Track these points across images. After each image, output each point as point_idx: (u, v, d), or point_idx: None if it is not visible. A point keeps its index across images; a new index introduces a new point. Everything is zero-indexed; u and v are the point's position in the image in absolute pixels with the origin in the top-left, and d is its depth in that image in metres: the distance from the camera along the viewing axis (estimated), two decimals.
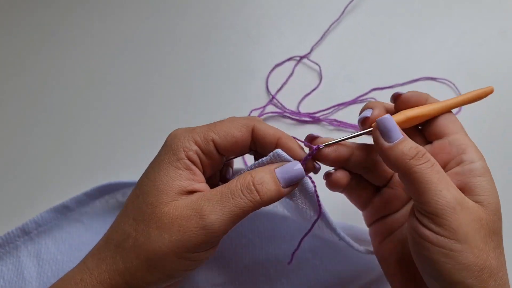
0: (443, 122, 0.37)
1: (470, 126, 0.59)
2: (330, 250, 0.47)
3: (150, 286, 0.32)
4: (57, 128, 0.63)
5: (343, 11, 0.69)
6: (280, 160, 0.34)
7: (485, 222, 0.31)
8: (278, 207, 0.45)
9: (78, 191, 0.53)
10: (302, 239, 0.38)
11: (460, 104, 0.38)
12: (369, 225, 0.42)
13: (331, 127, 0.61)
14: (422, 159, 0.31)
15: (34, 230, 0.50)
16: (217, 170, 0.38)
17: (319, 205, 0.35)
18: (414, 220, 0.32)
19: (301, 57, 0.66)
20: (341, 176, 0.37)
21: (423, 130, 0.39)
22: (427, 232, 0.31)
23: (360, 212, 0.43)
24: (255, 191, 0.32)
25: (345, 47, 0.69)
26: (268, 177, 0.33)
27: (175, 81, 0.67)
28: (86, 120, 0.64)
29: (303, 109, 0.63)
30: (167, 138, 0.35)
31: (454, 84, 0.63)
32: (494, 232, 0.32)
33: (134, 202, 0.33)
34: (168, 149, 0.33)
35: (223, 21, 0.73)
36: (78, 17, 0.74)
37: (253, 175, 0.33)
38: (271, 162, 0.34)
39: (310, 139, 0.37)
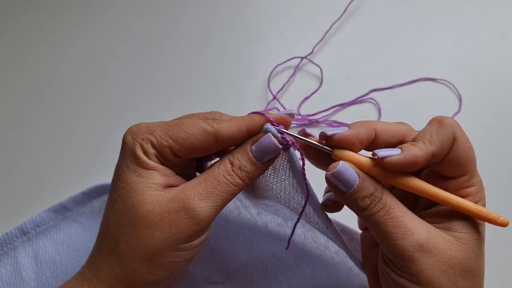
0: (449, 167, 0.32)
1: (470, 126, 0.60)
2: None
3: (154, 286, 0.32)
4: (55, 128, 0.63)
5: (344, 11, 0.69)
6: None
7: (457, 261, 0.30)
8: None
9: (76, 191, 0.53)
10: (295, 224, 0.39)
11: (456, 207, 0.32)
12: (362, 229, 0.42)
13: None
14: (376, 208, 0.30)
15: (33, 230, 0.50)
16: (187, 164, 0.37)
17: (306, 184, 0.35)
18: (381, 258, 0.33)
19: (303, 58, 0.66)
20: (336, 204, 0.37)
21: None
22: (391, 273, 0.31)
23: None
24: (236, 176, 0.32)
25: (345, 48, 0.69)
26: (244, 159, 0.33)
27: (175, 81, 0.67)
28: (85, 120, 0.64)
29: (303, 110, 0.63)
30: (125, 136, 0.34)
31: (453, 85, 0.63)
32: (469, 270, 0.31)
33: (114, 206, 0.32)
34: (130, 150, 0.33)
35: (223, 21, 0.73)
36: (77, 17, 0.74)
37: (230, 160, 0.33)
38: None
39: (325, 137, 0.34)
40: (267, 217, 0.50)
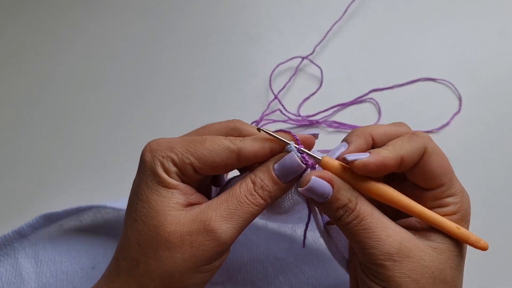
0: (423, 177, 0.33)
1: (470, 126, 0.60)
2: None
3: None
4: (55, 128, 0.63)
5: (345, 11, 0.69)
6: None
7: (430, 270, 0.30)
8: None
9: (76, 191, 0.53)
10: (306, 224, 0.38)
11: (432, 223, 0.32)
12: None
13: (331, 129, 0.61)
14: (348, 219, 0.31)
15: (31, 233, 0.49)
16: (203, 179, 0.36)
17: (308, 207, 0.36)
18: (358, 265, 0.34)
19: (304, 58, 0.66)
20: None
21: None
22: (367, 280, 0.32)
23: None
24: (258, 196, 0.32)
25: (345, 48, 0.69)
26: (266, 177, 0.32)
27: (175, 82, 0.67)
28: (85, 120, 0.64)
29: (303, 111, 0.63)
30: (144, 153, 0.33)
31: (453, 85, 0.63)
32: (443, 280, 0.31)
33: (134, 226, 0.32)
34: (150, 169, 0.32)
35: (223, 21, 0.73)
36: (77, 17, 0.74)
37: (252, 179, 0.32)
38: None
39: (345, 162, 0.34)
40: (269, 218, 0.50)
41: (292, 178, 0.33)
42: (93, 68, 0.69)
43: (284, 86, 0.64)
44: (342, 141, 0.34)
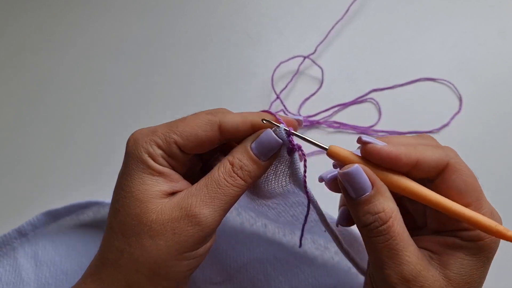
0: (448, 193, 0.30)
1: (470, 126, 0.60)
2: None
3: None
4: (55, 128, 0.63)
5: (346, 11, 0.69)
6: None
7: None
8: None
9: (76, 191, 0.53)
10: (303, 226, 0.38)
11: (462, 218, 0.29)
12: None
13: (331, 130, 0.61)
14: (376, 231, 0.29)
15: (31, 232, 0.50)
16: (191, 165, 0.36)
17: (307, 192, 0.34)
18: (368, 279, 0.33)
19: (305, 57, 0.65)
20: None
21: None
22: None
23: None
24: (237, 177, 0.31)
25: (346, 48, 0.69)
26: (245, 158, 0.32)
27: (175, 81, 0.67)
28: (85, 120, 0.64)
29: (304, 111, 0.63)
30: (127, 144, 0.33)
31: (453, 85, 0.63)
32: None
33: (117, 217, 0.32)
34: (134, 157, 0.32)
35: (223, 21, 0.73)
36: (77, 17, 0.74)
37: (230, 161, 0.32)
38: None
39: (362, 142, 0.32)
40: (266, 218, 0.50)
41: (271, 156, 0.32)
42: (93, 68, 0.69)
43: (286, 86, 0.64)
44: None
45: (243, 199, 0.40)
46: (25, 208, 0.56)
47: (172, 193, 0.32)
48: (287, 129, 0.32)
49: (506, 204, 0.54)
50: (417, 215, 0.35)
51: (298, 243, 0.49)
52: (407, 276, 0.29)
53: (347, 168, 0.29)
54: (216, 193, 0.31)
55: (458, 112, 0.61)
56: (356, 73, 0.66)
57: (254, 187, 0.37)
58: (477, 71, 0.65)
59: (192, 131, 0.32)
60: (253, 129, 0.33)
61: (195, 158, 0.37)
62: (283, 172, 0.34)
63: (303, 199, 0.36)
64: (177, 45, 0.70)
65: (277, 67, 0.65)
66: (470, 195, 0.30)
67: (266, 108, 0.62)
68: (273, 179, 0.35)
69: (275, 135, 0.32)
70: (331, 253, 0.48)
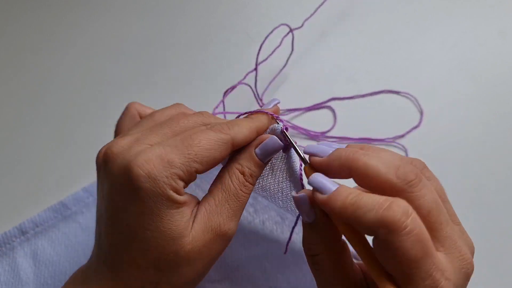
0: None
1: (469, 127, 0.60)
2: None
3: None
4: (55, 128, 0.63)
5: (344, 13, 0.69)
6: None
7: None
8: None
9: (76, 189, 0.53)
10: (292, 228, 0.39)
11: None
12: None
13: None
14: (310, 260, 0.32)
15: (31, 230, 0.50)
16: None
17: (302, 186, 0.35)
18: None
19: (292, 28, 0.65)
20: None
21: None
22: None
23: None
24: (249, 185, 0.33)
25: (345, 47, 0.69)
26: (253, 166, 0.33)
27: (175, 81, 0.67)
28: (85, 120, 0.64)
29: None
30: (139, 179, 0.28)
31: (416, 99, 0.62)
32: None
33: (147, 257, 0.30)
34: (156, 195, 0.29)
35: (223, 21, 0.73)
36: (77, 17, 0.74)
37: (241, 170, 0.33)
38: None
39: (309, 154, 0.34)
40: (264, 215, 0.50)
41: (269, 158, 0.34)
42: (93, 68, 0.69)
43: (266, 88, 0.64)
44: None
45: None
46: (25, 207, 0.56)
47: (192, 215, 0.32)
48: (283, 127, 0.34)
49: (506, 205, 0.54)
50: None
51: (297, 241, 0.49)
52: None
53: (298, 194, 0.31)
54: (237, 205, 0.32)
55: (417, 126, 0.60)
56: (357, 73, 0.66)
57: None
58: (477, 71, 0.64)
59: (210, 155, 0.31)
60: (257, 134, 0.34)
61: None
62: (280, 168, 0.36)
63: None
64: (177, 45, 0.70)
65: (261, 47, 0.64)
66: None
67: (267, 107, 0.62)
68: (270, 174, 0.36)
69: (279, 141, 0.33)
70: None
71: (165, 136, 0.32)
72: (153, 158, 0.29)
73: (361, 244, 0.27)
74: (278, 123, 0.34)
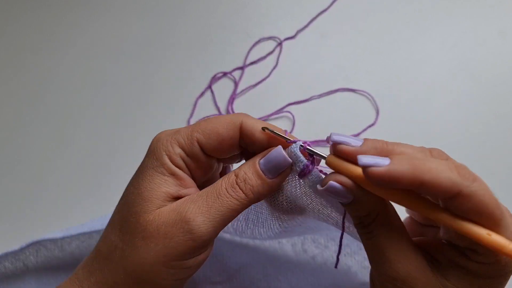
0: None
1: (470, 127, 0.60)
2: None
3: None
4: (55, 128, 0.63)
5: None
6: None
7: None
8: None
9: (76, 191, 0.53)
10: (340, 239, 0.35)
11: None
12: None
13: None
14: (364, 232, 0.29)
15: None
16: (211, 174, 0.35)
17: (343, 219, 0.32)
18: (370, 276, 0.33)
19: (281, 41, 0.65)
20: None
21: None
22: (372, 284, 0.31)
23: None
24: (238, 189, 0.30)
25: (345, 47, 0.69)
26: (250, 171, 0.31)
27: (175, 81, 0.67)
28: (85, 120, 0.64)
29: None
30: (151, 142, 0.32)
31: (372, 97, 0.62)
32: None
33: (120, 212, 0.31)
34: (151, 154, 0.31)
35: (223, 21, 0.73)
36: (77, 17, 0.74)
37: (236, 172, 0.31)
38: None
39: (331, 141, 0.31)
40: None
41: (278, 174, 0.31)
42: (93, 68, 0.69)
43: (235, 90, 0.64)
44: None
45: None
46: (25, 208, 0.56)
47: (177, 197, 0.31)
48: (304, 145, 0.31)
49: (506, 205, 0.54)
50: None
51: (298, 242, 0.49)
52: (394, 274, 0.28)
53: (325, 185, 0.29)
54: (214, 202, 0.30)
55: (373, 124, 0.60)
56: (357, 73, 0.66)
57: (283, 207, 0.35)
58: (477, 71, 0.65)
59: (214, 129, 0.31)
60: (269, 143, 0.32)
61: (216, 165, 0.36)
62: (306, 193, 0.32)
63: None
64: (177, 45, 0.71)
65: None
66: (486, 221, 0.26)
67: (265, 107, 0.62)
68: (301, 196, 0.33)
69: (284, 153, 0.30)
70: (330, 251, 0.48)
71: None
72: (169, 130, 0.32)
73: (419, 201, 0.27)
74: (296, 142, 0.31)
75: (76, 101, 0.66)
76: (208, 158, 0.32)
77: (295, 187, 0.32)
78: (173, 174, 0.31)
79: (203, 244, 0.29)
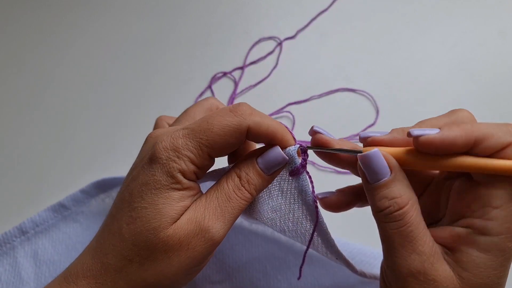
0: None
1: None
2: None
3: None
4: (55, 128, 0.63)
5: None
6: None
7: None
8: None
9: (76, 189, 0.53)
10: (305, 253, 0.37)
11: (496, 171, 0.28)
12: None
13: None
14: (391, 217, 0.29)
15: (32, 230, 0.50)
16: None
17: (316, 209, 0.34)
18: (381, 270, 0.33)
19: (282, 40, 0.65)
20: (335, 200, 0.36)
21: None
22: (385, 278, 0.31)
23: (359, 228, 0.44)
24: (244, 190, 0.32)
25: (344, 47, 0.69)
26: (252, 172, 0.32)
27: (175, 81, 0.67)
28: (85, 120, 0.64)
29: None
30: (156, 153, 0.31)
31: (372, 97, 0.62)
32: None
33: (131, 226, 0.30)
34: (165, 171, 0.30)
35: (223, 21, 0.73)
36: (77, 17, 0.74)
37: (238, 174, 0.32)
38: None
39: (312, 132, 0.35)
40: None
41: (275, 170, 0.33)
42: (93, 68, 0.69)
43: (231, 72, 0.64)
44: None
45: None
46: (25, 207, 0.56)
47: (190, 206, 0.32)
48: (304, 146, 0.33)
49: None
50: (433, 209, 0.34)
51: (298, 243, 0.48)
52: (418, 267, 0.28)
53: (366, 152, 0.29)
54: (227, 206, 0.31)
55: (373, 124, 0.60)
56: (357, 73, 0.66)
57: (255, 208, 0.36)
58: (477, 71, 0.65)
59: (225, 140, 0.30)
60: (272, 138, 0.32)
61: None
62: (290, 190, 0.34)
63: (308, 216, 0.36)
64: (177, 45, 0.71)
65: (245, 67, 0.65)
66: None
67: (266, 106, 0.62)
68: (280, 195, 0.35)
69: (282, 153, 0.32)
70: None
71: (192, 120, 0.35)
72: (171, 139, 0.31)
73: (461, 159, 0.28)
74: (295, 145, 0.33)
75: (76, 101, 0.66)
76: (213, 160, 0.33)
77: (284, 180, 0.34)
78: (187, 188, 0.31)
79: (218, 245, 0.31)
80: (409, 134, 0.29)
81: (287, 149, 0.33)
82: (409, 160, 0.29)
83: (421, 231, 0.29)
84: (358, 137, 0.33)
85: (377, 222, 0.30)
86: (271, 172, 0.33)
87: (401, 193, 0.29)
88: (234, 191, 0.31)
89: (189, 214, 0.30)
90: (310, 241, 0.35)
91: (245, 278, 0.47)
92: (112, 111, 0.64)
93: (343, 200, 0.36)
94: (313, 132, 0.34)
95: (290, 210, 0.35)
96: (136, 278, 0.30)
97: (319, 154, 0.35)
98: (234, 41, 0.70)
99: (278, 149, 0.32)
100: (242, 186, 0.32)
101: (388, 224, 0.29)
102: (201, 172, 0.32)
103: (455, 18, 0.70)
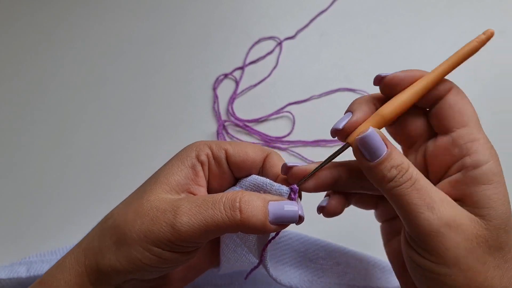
0: (446, 112, 0.33)
1: None
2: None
3: (117, 276, 0.31)
4: (55, 128, 0.63)
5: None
6: (273, 193, 0.32)
7: (484, 239, 0.28)
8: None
9: (76, 191, 0.53)
10: (248, 274, 0.38)
11: (455, 64, 0.34)
12: (380, 221, 0.41)
13: (239, 129, 0.62)
14: (402, 179, 0.29)
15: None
16: (224, 187, 0.35)
17: (262, 256, 0.34)
18: (404, 240, 0.31)
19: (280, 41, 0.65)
20: (335, 205, 0.35)
21: (428, 119, 0.34)
22: (414, 255, 0.30)
23: (356, 234, 0.45)
24: (237, 209, 0.29)
25: (344, 47, 0.69)
26: (258, 203, 0.30)
27: (175, 81, 0.67)
28: (85, 120, 0.64)
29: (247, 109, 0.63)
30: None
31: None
32: (498, 248, 0.28)
33: (136, 190, 0.34)
34: (183, 150, 0.34)
35: (223, 21, 0.73)
36: (77, 17, 0.74)
37: (243, 194, 0.30)
38: (262, 188, 0.33)
39: (286, 169, 0.33)
40: None
41: (278, 224, 0.31)
42: (93, 68, 0.69)
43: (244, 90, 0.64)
44: (345, 112, 0.34)
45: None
46: (25, 207, 0.56)
47: (185, 191, 0.32)
48: (294, 187, 0.32)
49: None
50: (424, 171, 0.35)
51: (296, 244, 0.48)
52: (446, 214, 0.28)
53: (363, 133, 0.30)
54: (206, 211, 0.29)
55: None
56: (357, 73, 0.66)
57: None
58: (477, 71, 0.65)
59: (244, 148, 0.34)
60: (276, 181, 0.33)
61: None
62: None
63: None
64: (177, 45, 0.71)
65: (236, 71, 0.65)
66: (470, 118, 0.33)
67: (267, 109, 0.62)
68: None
69: (297, 212, 0.31)
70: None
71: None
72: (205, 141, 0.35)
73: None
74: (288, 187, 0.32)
75: (76, 101, 0.66)
76: (229, 170, 0.34)
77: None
78: (192, 167, 0.32)
79: (181, 243, 0.30)
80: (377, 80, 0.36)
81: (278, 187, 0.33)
82: (380, 123, 0.32)
83: (430, 184, 0.30)
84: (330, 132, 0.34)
85: (389, 194, 0.30)
86: (276, 223, 0.30)
87: (401, 159, 0.30)
88: (223, 203, 0.30)
89: (175, 197, 0.31)
90: (248, 273, 0.37)
91: (248, 282, 0.47)
92: (112, 111, 0.64)
93: (339, 201, 0.36)
94: (287, 168, 0.33)
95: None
96: (107, 232, 0.31)
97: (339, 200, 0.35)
98: (234, 41, 0.70)
99: (295, 204, 0.31)
100: (237, 203, 0.30)
101: (402, 187, 0.29)
102: (217, 169, 0.34)
103: (455, 18, 0.70)
